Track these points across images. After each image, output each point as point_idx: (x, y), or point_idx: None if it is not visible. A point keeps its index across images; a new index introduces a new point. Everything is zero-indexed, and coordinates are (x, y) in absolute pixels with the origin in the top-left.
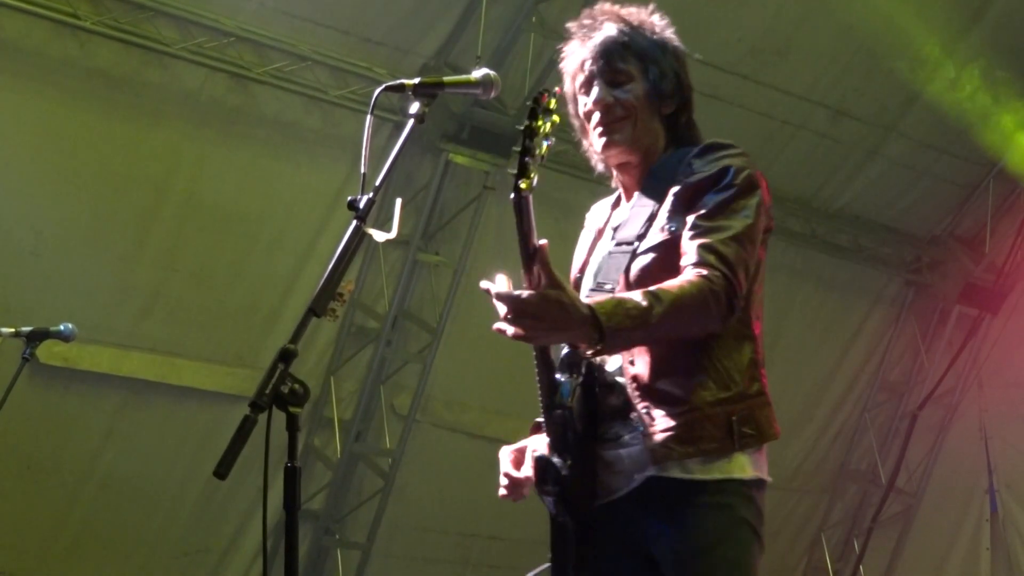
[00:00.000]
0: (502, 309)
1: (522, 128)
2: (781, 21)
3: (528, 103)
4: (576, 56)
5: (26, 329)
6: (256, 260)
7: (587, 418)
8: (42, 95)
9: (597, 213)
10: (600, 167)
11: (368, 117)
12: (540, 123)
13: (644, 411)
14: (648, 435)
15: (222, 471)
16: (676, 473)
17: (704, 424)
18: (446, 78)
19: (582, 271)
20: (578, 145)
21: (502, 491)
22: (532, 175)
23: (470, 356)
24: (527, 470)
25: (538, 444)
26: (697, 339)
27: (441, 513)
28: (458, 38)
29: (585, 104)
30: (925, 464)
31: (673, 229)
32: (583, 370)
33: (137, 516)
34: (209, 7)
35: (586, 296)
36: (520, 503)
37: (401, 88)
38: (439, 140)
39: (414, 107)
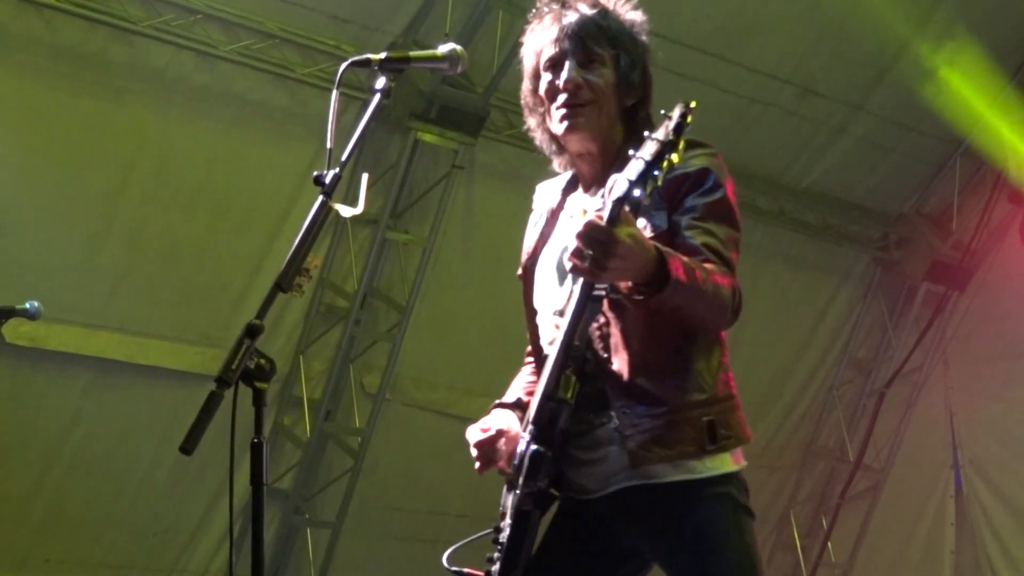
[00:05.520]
0: (576, 241)
1: (662, 141)
2: None
3: (676, 118)
4: (547, 32)
5: None
6: (223, 239)
7: (573, 415)
8: (6, 73)
9: (546, 195)
10: (546, 148)
11: (334, 92)
12: (684, 140)
13: (622, 410)
14: (627, 436)
15: (188, 447)
16: (667, 477)
17: (683, 427)
18: (412, 53)
19: (533, 257)
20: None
21: (477, 464)
22: (650, 188)
23: (439, 335)
24: (492, 426)
25: (503, 422)
26: (675, 338)
27: (411, 491)
28: (426, 16)
29: (551, 81)
30: (892, 441)
31: (658, 225)
32: (580, 364)
33: (106, 496)
34: None
35: (543, 286)
36: (492, 482)
37: (367, 63)
38: (407, 119)
39: (380, 82)
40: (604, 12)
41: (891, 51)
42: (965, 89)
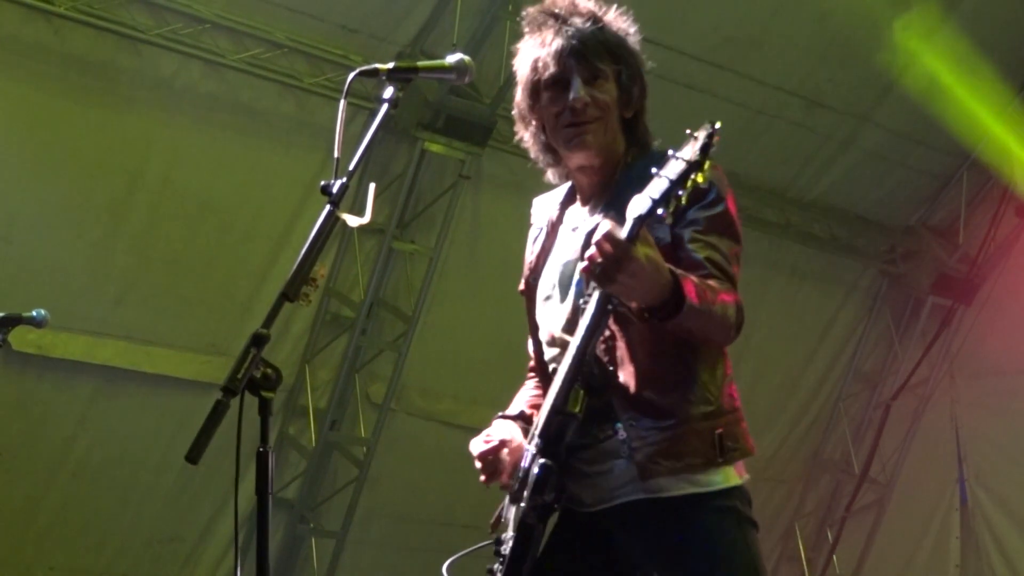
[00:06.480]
0: (592, 249)
1: (688, 161)
2: (756, 10)
3: (703, 138)
4: (548, 46)
5: None
6: (230, 248)
7: (579, 430)
8: (16, 80)
9: (544, 209)
10: (541, 159)
11: (341, 101)
12: (709, 162)
13: (629, 422)
14: (635, 449)
15: (193, 455)
16: (673, 491)
17: (691, 439)
18: (420, 63)
19: (535, 272)
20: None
21: (482, 476)
22: (672, 207)
23: (445, 345)
24: (495, 436)
25: (505, 432)
26: (681, 350)
27: (416, 501)
28: (434, 26)
29: (554, 99)
30: (897, 454)
31: (661, 237)
32: (588, 378)
33: (110, 504)
34: None
35: (545, 302)
36: (498, 492)
37: (375, 73)
38: (414, 128)
39: (388, 92)
40: (601, 25)
41: (898, 64)
42: (972, 102)
